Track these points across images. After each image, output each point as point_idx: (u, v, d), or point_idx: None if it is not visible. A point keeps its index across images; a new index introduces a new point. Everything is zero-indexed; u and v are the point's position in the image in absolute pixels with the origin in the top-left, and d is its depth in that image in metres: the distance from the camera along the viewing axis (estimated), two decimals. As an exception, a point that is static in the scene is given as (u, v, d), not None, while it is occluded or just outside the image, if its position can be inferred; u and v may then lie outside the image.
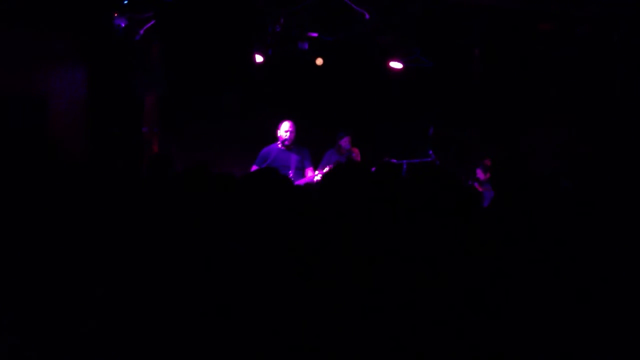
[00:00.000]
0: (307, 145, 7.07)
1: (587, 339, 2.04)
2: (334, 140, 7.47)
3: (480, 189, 7.28)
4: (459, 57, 8.07)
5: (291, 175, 6.66)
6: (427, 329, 2.04)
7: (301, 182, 6.71)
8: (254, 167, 6.80)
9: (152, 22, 6.88)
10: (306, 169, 6.88)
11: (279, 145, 6.85)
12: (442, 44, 7.87)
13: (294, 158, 6.81)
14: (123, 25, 6.77)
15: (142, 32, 6.97)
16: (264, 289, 2.09)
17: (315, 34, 7.51)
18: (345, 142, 7.35)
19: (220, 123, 8.14)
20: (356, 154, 7.49)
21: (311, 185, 6.59)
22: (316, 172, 6.77)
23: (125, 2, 6.63)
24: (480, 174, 7.43)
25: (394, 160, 7.44)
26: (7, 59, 6.91)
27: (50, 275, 2.26)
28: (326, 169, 6.47)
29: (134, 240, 2.50)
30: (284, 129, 6.83)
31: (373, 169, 4.40)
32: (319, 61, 8.10)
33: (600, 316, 2.09)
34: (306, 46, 7.44)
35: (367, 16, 6.85)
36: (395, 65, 8.18)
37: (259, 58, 7.69)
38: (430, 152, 7.54)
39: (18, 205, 2.59)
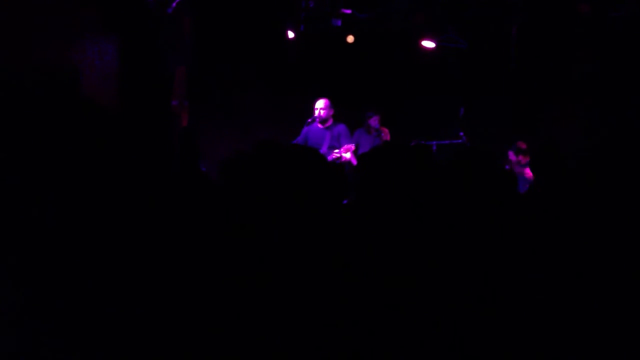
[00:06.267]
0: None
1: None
2: (363, 119, 7.39)
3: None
4: (495, 37, 7.92)
5: (322, 152, 6.60)
6: (465, 318, 2.01)
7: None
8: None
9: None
10: (342, 147, 6.75)
11: (317, 123, 6.81)
12: (477, 23, 7.72)
13: (327, 136, 6.75)
14: (155, -3, 6.75)
15: (174, 4, 6.93)
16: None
17: (348, 11, 7.42)
18: (374, 121, 7.27)
19: (249, 98, 8.11)
20: (385, 133, 7.41)
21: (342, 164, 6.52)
22: (335, 151, 6.65)
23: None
24: (512, 156, 7.27)
25: (424, 142, 7.36)
26: (39, 30, 6.91)
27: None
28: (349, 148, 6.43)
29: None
30: (315, 107, 6.79)
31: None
32: (350, 38, 8.01)
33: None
34: (339, 23, 7.36)
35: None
36: (428, 44, 8.06)
37: (290, 34, 7.62)
38: (461, 133, 7.44)
39: (53, 176, 2.57)
